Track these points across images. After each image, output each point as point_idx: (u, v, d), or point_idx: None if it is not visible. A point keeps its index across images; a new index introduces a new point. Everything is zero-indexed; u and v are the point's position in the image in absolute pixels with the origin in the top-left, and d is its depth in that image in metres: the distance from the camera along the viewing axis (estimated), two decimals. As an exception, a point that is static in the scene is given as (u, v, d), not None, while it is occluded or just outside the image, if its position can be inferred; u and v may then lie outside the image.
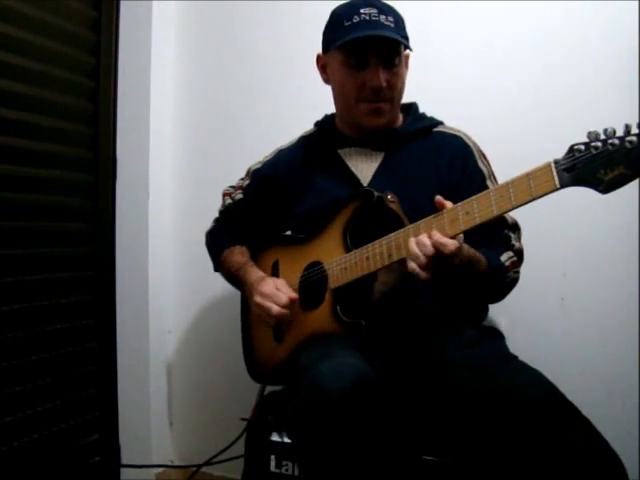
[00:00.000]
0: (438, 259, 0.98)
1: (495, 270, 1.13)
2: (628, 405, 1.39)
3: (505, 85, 1.53)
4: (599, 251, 1.45)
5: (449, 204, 1.02)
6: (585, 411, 0.97)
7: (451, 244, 0.97)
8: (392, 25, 1.17)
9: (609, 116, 1.37)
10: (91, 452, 1.69)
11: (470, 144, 1.26)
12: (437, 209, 1.04)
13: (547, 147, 1.42)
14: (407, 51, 1.24)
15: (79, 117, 1.69)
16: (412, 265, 1.00)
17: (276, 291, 1.23)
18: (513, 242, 1.20)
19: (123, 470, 1.76)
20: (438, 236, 0.98)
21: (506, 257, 1.16)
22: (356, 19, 1.17)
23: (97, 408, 1.71)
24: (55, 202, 1.63)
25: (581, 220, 1.43)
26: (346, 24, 1.18)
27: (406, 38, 1.21)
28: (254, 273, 1.33)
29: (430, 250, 0.97)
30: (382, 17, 1.16)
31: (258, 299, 1.24)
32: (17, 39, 1.46)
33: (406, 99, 1.31)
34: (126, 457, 1.78)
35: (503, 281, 1.17)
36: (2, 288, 1.45)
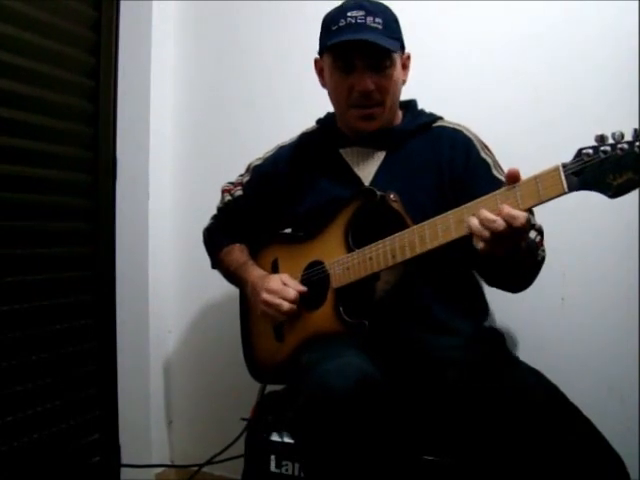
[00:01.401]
0: (506, 235, 0.92)
1: (531, 246, 1.09)
2: (628, 404, 1.39)
3: (504, 85, 1.52)
4: (599, 251, 1.44)
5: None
6: (585, 411, 0.97)
7: (521, 217, 0.91)
8: (379, 27, 1.16)
9: (609, 116, 1.38)
10: (91, 452, 1.69)
11: (471, 136, 1.25)
12: (439, 204, 1.04)
13: (546, 147, 1.43)
14: (407, 51, 1.24)
15: (79, 117, 1.69)
16: (480, 244, 0.95)
17: (283, 286, 1.22)
18: (533, 222, 1.15)
19: (123, 470, 1.76)
20: (508, 209, 0.91)
21: (533, 235, 1.12)
22: (342, 23, 1.17)
23: (97, 408, 1.72)
24: (55, 202, 1.63)
25: (581, 220, 1.43)
26: (333, 28, 1.18)
27: (397, 39, 1.19)
28: (255, 271, 1.33)
29: (501, 224, 0.91)
30: (369, 19, 1.15)
31: (265, 296, 1.23)
32: (17, 39, 1.46)
33: (406, 98, 1.31)
34: (126, 457, 1.78)
35: (536, 259, 1.13)
36: (2, 288, 1.45)
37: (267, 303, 1.23)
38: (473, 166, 1.21)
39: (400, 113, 1.32)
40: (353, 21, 1.16)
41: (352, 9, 1.17)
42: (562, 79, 1.47)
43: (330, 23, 1.20)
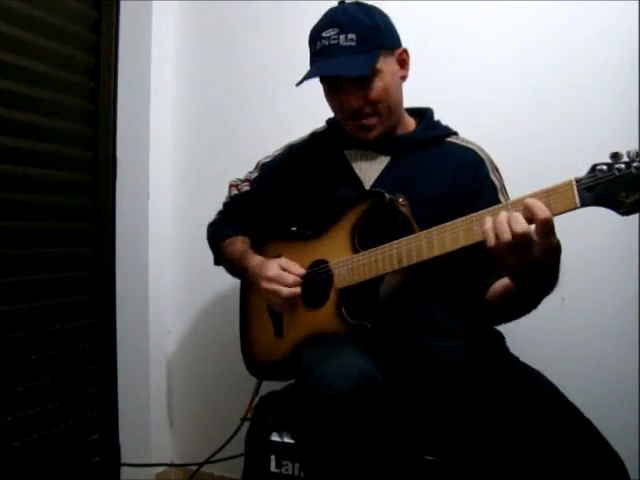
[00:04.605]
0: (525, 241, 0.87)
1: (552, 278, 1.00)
2: (628, 404, 1.40)
3: (504, 87, 1.53)
4: (599, 251, 1.45)
5: None
6: (585, 411, 0.97)
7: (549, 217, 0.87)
8: (353, 44, 1.13)
9: (609, 117, 1.38)
10: (91, 452, 1.69)
11: (483, 156, 1.24)
12: (436, 216, 1.03)
13: (548, 150, 1.43)
14: (402, 48, 1.22)
15: (79, 117, 1.69)
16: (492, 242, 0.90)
17: (281, 272, 1.22)
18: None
19: (123, 470, 1.76)
20: (547, 213, 0.86)
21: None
22: (318, 45, 1.17)
23: (97, 408, 1.72)
24: (55, 202, 1.63)
25: (581, 220, 1.42)
26: (311, 51, 1.19)
27: (377, 47, 1.16)
28: (254, 259, 1.32)
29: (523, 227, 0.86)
30: (342, 37, 1.14)
31: (265, 284, 1.23)
32: (17, 39, 1.46)
33: (406, 102, 1.30)
34: (126, 457, 1.78)
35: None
36: (2, 288, 1.45)
37: (266, 291, 1.23)
38: (480, 185, 1.19)
39: (412, 121, 1.30)
40: (326, 43, 1.15)
41: (327, 27, 1.16)
42: (563, 81, 1.47)
43: (310, 44, 1.20)
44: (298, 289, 1.21)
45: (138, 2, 1.80)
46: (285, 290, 1.20)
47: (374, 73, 1.16)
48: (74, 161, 1.68)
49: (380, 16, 1.20)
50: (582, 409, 0.97)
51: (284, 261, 1.24)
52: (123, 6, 1.77)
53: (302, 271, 1.22)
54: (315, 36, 1.18)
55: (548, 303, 1.47)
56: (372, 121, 1.21)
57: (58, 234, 1.63)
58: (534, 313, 1.46)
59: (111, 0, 1.74)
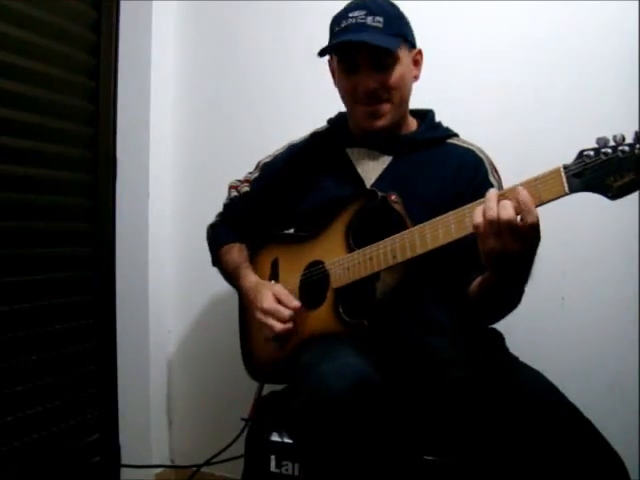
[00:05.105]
0: (512, 228, 0.90)
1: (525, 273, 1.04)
2: (628, 404, 1.40)
3: (504, 87, 1.53)
4: (599, 251, 1.45)
5: None
6: (585, 411, 0.97)
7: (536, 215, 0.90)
8: (380, 25, 1.16)
9: (610, 118, 1.38)
10: (91, 452, 1.69)
11: (483, 157, 1.25)
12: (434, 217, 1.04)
13: (548, 150, 1.43)
14: (417, 49, 1.25)
15: (79, 117, 1.69)
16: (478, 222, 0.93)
17: (277, 306, 1.21)
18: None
19: (123, 470, 1.76)
20: (535, 218, 0.90)
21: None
22: (344, 24, 1.19)
23: (97, 408, 1.71)
24: (55, 202, 1.63)
25: (581, 220, 1.43)
26: (336, 29, 1.21)
27: (400, 35, 1.19)
28: (248, 279, 1.32)
29: (510, 212, 0.89)
30: (369, 18, 1.16)
31: (260, 316, 1.23)
32: (17, 39, 1.46)
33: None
34: (126, 457, 1.78)
35: (520, 292, 1.11)
36: (2, 288, 1.45)
37: (261, 323, 1.23)
38: (479, 185, 1.19)
39: (415, 121, 1.32)
40: (354, 21, 1.17)
41: (354, 9, 1.18)
42: (563, 81, 1.47)
43: (334, 25, 1.22)
44: (291, 324, 1.20)
45: (138, 2, 1.80)
46: (279, 327, 1.20)
47: (395, 59, 1.19)
48: (74, 161, 1.68)
49: (403, 13, 1.24)
50: (582, 409, 0.97)
51: (279, 290, 1.24)
52: (123, 6, 1.77)
53: (297, 304, 1.21)
54: (341, 16, 1.20)
55: (548, 303, 1.48)
56: (384, 108, 1.21)
57: (58, 234, 1.63)
58: (534, 313, 1.47)
59: (111, 0, 1.73)
